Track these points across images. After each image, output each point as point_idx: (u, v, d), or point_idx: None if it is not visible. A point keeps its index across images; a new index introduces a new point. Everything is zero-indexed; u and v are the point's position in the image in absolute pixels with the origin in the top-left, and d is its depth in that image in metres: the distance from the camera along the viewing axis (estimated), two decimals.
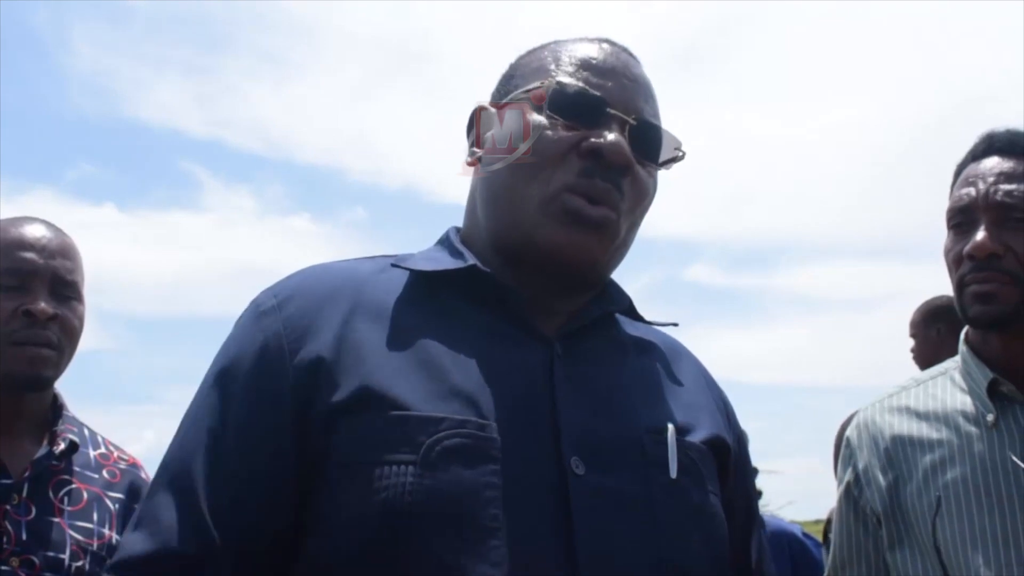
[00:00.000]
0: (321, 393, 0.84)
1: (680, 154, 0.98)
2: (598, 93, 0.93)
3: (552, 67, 0.95)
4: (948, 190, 1.39)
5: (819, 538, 3.17)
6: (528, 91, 0.95)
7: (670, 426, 0.91)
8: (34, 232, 1.47)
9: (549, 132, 0.92)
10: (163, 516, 0.85)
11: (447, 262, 0.95)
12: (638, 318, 1.03)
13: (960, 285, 1.31)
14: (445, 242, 1.00)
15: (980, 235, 1.27)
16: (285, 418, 0.85)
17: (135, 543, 0.85)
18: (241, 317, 0.94)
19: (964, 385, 1.35)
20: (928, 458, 1.31)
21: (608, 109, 0.92)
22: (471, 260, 0.93)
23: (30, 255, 1.43)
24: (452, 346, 0.87)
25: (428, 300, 0.92)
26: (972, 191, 1.32)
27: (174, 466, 0.88)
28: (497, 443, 0.82)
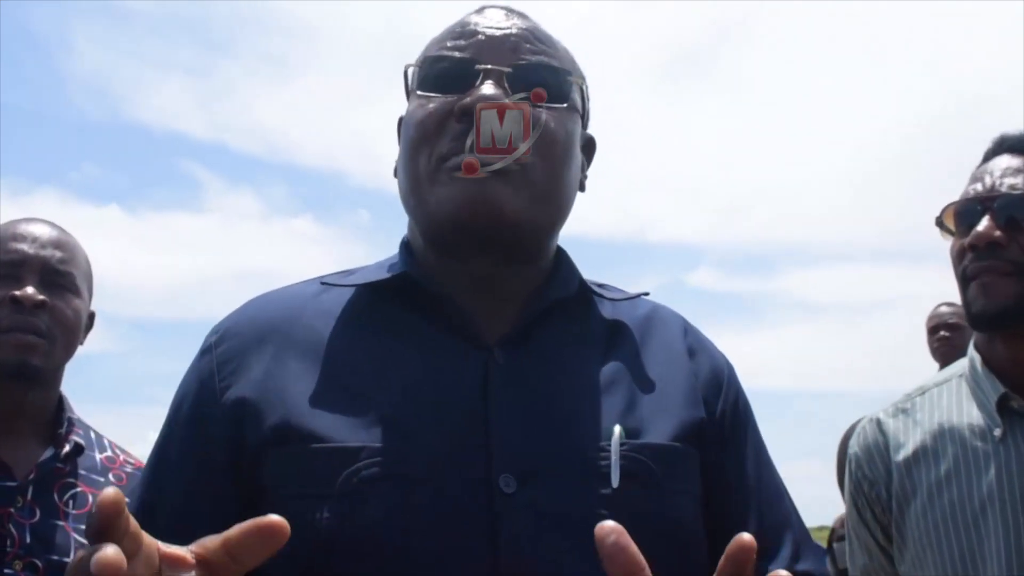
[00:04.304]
0: (248, 430, 0.84)
1: (579, 80, 0.94)
2: (463, 54, 0.90)
3: (422, 52, 0.95)
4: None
5: (823, 544, 3.16)
6: (406, 84, 0.94)
7: (616, 430, 0.85)
8: (29, 226, 1.49)
9: (421, 109, 0.90)
10: None
11: (383, 272, 0.93)
12: (599, 296, 0.98)
13: (963, 279, 1.28)
14: (399, 250, 0.98)
15: (983, 224, 1.25)
16: (218, 457, 0.85)
17: None
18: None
19: (972, 396, 1.31)
20: (933, 473, 1.28)
21: (477, 66, 0.89)
22: (403, 268, 0.92)
23: (21, 246, 1.45)
24: (383, 365, 0.86)
25: (369, 315, 0.91)
26: (979, 186, 1.30)
27: (134, 500, 0.89)
28: (419, 468, 0.80)
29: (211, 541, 0.60)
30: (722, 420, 0.94)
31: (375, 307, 0.91)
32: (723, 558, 0.64)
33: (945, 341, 3.57)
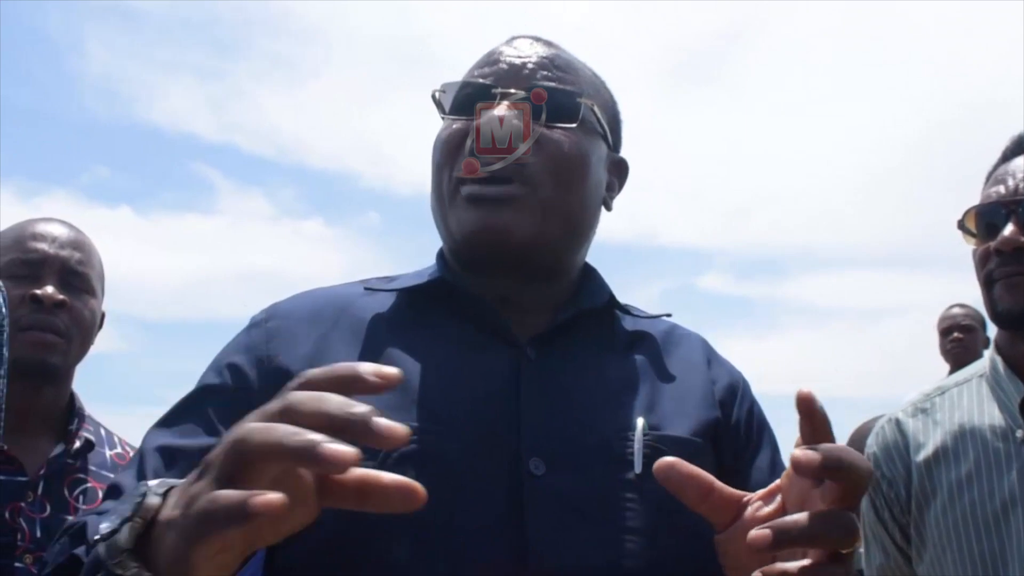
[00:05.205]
0: None
1: (590, 102, 0.97)
2: (485, 80, 0.96)
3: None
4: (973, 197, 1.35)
5: None
6: (440, 109, 0.99)
7: (639, 421, 0.90)
8: (47, 226, 1.50)
9: (445, 131, 0.96)
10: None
11: (421, 279, 0.99)
12: (625, 312, 1.03)
13: (988, 282, 1.28)
14: (436, 259, 1.03)
15: (1008, 229, 1.25)
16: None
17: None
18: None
19: (993, 396, 1.30)
20: (954, 474, 1.27)
21: (494, 91, 0.94)
22: (439, 273, 0.97)
23: (41, 245, 1.46)
24: (422, 358, 0.91)
25: (410, 316, 0.96)
26: (1001, 188, 1.30)
27: (148, 446, 0.92)
28: (455, 448, 0.84)
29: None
30: (737, 426, 0.98)
31: (415, 308, 0.97)
32: (799, 420, 0.66)
33: (958, 343, 3.55)
